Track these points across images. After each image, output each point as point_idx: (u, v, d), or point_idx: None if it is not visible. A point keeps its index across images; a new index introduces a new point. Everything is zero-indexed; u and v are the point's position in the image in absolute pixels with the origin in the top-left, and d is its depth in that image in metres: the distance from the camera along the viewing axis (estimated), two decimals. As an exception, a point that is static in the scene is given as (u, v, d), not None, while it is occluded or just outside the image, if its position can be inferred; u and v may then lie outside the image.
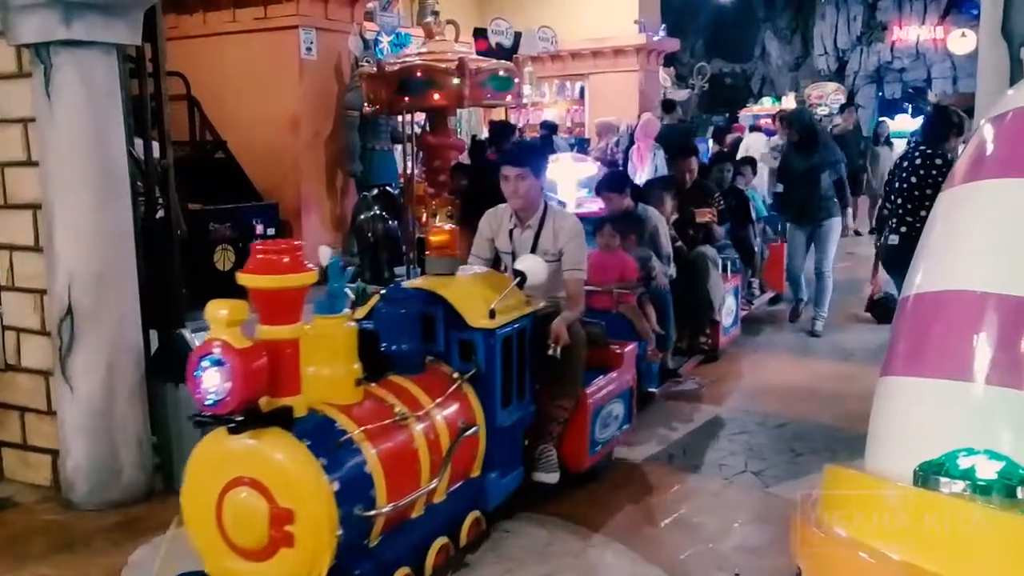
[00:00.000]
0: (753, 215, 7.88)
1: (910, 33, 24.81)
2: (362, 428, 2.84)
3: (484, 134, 11.00)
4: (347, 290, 3.23)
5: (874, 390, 2.38)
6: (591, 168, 9.21)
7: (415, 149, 8.78)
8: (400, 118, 8.99)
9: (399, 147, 9.20)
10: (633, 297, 5.19)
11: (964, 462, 1.85)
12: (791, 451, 4.65)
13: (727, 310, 6.40)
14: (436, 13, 9.88)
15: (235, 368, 2.46)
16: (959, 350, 2.04)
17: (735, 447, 4.75)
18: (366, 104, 8.70)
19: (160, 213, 4.46)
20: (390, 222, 7.93)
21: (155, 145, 4.40)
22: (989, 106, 2.63)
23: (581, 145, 12.72)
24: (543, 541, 3.59)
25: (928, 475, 1.87)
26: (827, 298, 7.16)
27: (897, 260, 5.10)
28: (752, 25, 27.35)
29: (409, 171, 8.52)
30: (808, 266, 7.39)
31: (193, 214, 6.64)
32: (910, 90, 24.96)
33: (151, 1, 4.03)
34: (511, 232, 4.14)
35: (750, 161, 9.19)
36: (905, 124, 17.72)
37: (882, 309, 6.89)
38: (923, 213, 4.88)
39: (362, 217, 7.94)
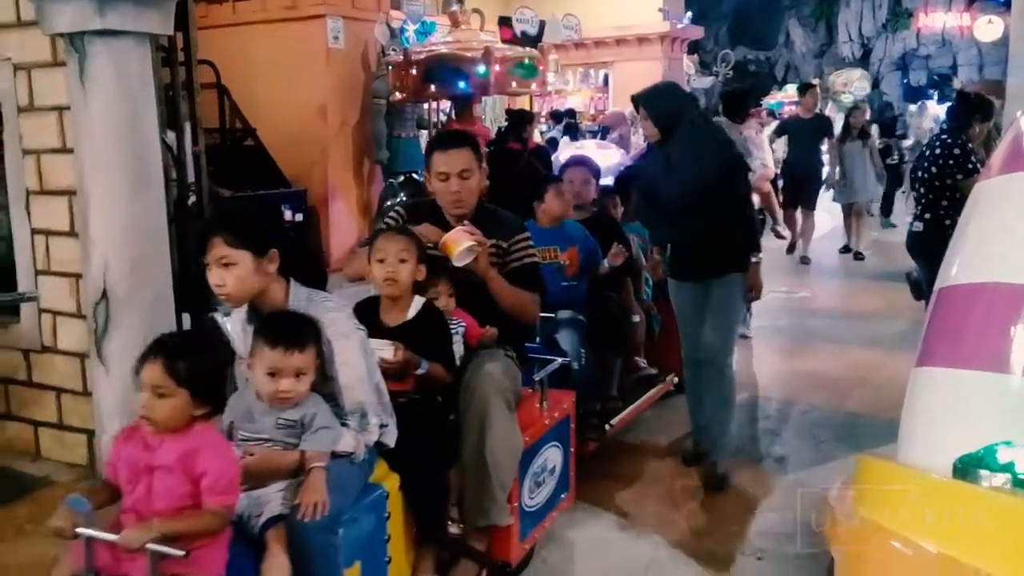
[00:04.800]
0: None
1: (936, 20, 24.53)
2: None
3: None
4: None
5: (899, 377, 2.38)
6: (615, 155, 9.23)
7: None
8: (426, 106, 9.07)
9: (425, 134, 9.26)
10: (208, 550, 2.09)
11: (1004, 455, 1.83)
12: (814, 437, 4.66)
13: (537, 475, 3.30)
14: (461, 1, 9.92)
15: None
16: (997, 342, 2.03)
17: (759, 433, 4.76)
18: (393, 92, 8.77)
19: (192, 199, 4.52)
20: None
21: (187, 133, 4.45)
22: (1021, 96, 2.62)
23: (605, 133, 12.72)
24: (563, 524, 3.61)
25: (968, 468, 1.86)
26: (729, 418, 4.09)
27: (920, 247, 5.11)
28: (776, 12, 27.16)
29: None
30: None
31: (223, 200, 6.70)
32: (936, 77, 24.69)
33: (183, -10, 4.09)
34: None
35: None
36: (932, 111, 17.49)
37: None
38: (944, 202, 4.89)
39: (388, 204, 7.99)
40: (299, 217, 7.34)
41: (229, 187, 7.00)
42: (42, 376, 4.26)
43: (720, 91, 9.66)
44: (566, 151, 9.39)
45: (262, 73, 8.47)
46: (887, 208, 12.37)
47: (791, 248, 9.73)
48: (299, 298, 2.56)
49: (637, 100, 3.98)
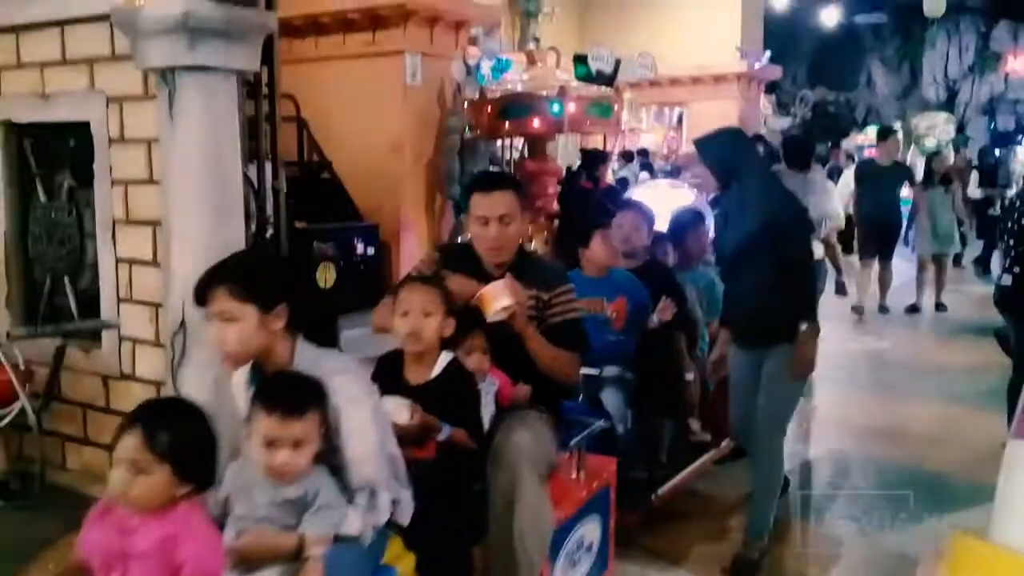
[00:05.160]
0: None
1: (1025, 63, 23.94)
2: None
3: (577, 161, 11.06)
4: None
5: (983, 435, 2.27)
6: (688, 196, 9.13)
7: (513, 174, 8.88)
8: (499, 143, 9.13)
9: (498, 171, 9.32)
10: None
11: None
12: (893, 496, 4.46)
13: (572, 554, 3.05)
14: (537, 39, 10.00)
15: None
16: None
17: (832, 490, 4.61)
18: (467, 129, 8.86)
19: (270, 232, 4.59)
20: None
21: (267, 166, 4.53)
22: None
23: (677, 173, 12.63)
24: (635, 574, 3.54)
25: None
26: (765, 502, 3.71)
27: (1009, 302, 4.91)
28: (858, 53, 26.75)
29: (507, 195, 8.58)
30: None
31: (298, 232, 6.82)
32: (1024, 122, 24.06)
33: (271, 29, 4.18)
34: None
35: None
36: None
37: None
38: None
39: (460, 239, 8.04)
40: (371, 251, 7.42)
41: (304, 220, 7.12)
42: (120, 403, 4.34)
43: (782, 138, 9.22)
44: (641, 190, 9.34)
45: (340, 107, 8.61)
46: (985, 263, 11.60)
47: (859, 309, 9.14)
48: (305, 357, 2.32)
49: (696, 146, 3.73)
